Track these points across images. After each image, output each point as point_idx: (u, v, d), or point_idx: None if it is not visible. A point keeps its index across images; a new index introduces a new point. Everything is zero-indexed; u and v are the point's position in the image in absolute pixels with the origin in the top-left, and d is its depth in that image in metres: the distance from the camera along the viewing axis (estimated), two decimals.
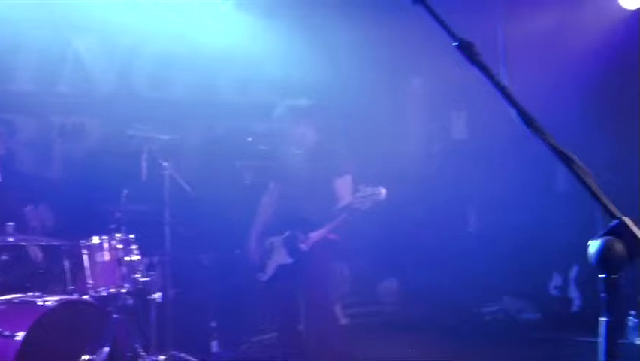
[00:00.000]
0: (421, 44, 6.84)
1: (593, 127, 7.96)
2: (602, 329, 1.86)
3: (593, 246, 1.82)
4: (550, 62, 7.84)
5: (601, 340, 1.87)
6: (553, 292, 8.61)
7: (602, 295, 1.86)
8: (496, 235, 8.21)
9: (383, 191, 5.73)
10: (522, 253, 8.23)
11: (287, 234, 6.24)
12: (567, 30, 7.76)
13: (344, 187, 6.16)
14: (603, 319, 1.87)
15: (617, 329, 1.86)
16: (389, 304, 9.14)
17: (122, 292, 5.81)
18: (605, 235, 1.82)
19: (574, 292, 8.40)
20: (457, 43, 1.98)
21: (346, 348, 6.44)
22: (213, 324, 7.51)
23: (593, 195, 1.84)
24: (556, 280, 8.53)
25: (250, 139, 8.37)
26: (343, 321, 7.77)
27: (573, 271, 8.38)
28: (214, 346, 7.50)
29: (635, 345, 7.46)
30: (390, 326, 8.37)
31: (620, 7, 7.57)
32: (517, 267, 8.37)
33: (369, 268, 8.72)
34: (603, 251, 1.80)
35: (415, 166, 9.00)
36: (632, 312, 7.66)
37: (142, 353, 5.99)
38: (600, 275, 1.85)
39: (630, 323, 7.66)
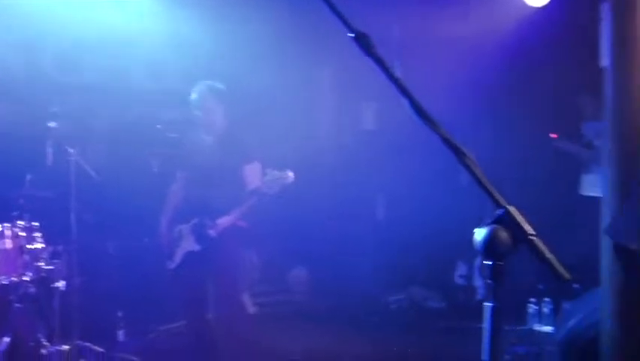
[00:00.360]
0: (333, 35, 6.89)
1: (494, 124, 8.18)
2: (486, 314, 1.93)
3: (479, 234, 1.90)
4: (451, 59, 8.00)
5: (485, 325, 1.94)
6: (459, 281, 8.81)
7: (488, 281, 1.93)
8: (404, 225, 8.36)
9: (291, 175, 5.80)
10: (428, 242, 8.39)
11: (195, 221, 6.22)
12: (471, 27, 7.92)
13: (253, 174, 6.18)
14: (488, 304, 1.94)
15: (501, 314, 1.93)
16: (298, 293, 9.20)
17: (24, 281, 5.70)
18: (491, 223, 1.89)
19: (478, 281, 8.62)
20: (352, 35, 2.02)
21: (254, 337, 6.47)
22: (120, 313, 7.44)
23: (481, 185, 1.91)
24: (461, 270, 8.74)
25: (159, 126, 8.30)
26: (252, 310, 7.77)
27: (478, 261, 8.59)
28: (120, 335, 7.43)
29: (535, 331, 7.72)
30: (299, 315, 8.43)
31: (525, 5, 7.78)
32: (424, 256, 8.54)
33: (279, 256, 8.76)
34: (489, 239, 1.88)
35: (324, 156, 9.08)
36: (532, 299, 7.92)
37: (45, 343, 5.89)
38: (486, 262, 1.92)
39: (530, 310, 7.91)
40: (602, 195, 6.02)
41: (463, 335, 7.72)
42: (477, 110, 8.35)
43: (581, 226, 7.69)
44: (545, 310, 7.83)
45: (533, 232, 1.86)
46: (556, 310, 7.75)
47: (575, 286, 7.66)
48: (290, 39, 8.23)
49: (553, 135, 8.17)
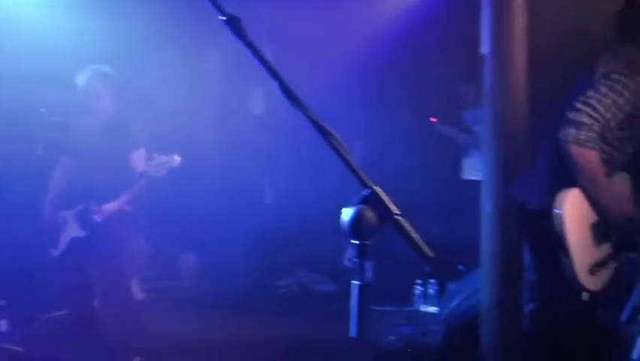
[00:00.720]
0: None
1: (378, 108, 8.30)
2: (354, 292, 1.98)
3: (346, 214, 1.94)
4: (333, 43, 8.06)
5: (353, 302, 1.99)
6: (347, 263, 8.92)
7: (355, 260, 1.98)
8: (292, 208, 8.40)
9: (177, 158, 5.79)
10: (316, 226, 8.45)
11: (80, 207, 6.11)
12: (354, 11, 7.99)
13: (139, 160, 6.11)
14: (356, 282, 1.99)
15: (366, 291, 1.99)
16: (188, 278, 9.15)
17: None
18: (358, 203, 1.94)
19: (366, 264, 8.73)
20: (224, 18, 2.03)
21: (142, 324, 6.40)
22: (2, 302, 7.25)
23: (348, 166, 1.96)
24: (349, 252, 8.84)
25: (43, 110, 8.08)
26: (140, 296, 7.70)
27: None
28: (3, 325, 7.23)
29: (421, 312, 7.94)
30: (188, 301, 8.38)
31: None
32: (312, 240, 8.61)
33: (168, 241, 8.68)
34: (355, 219, 1.92)
35: (212, 141, 9.04)
36: (419, 281, 8.13)
37: None
38: (353, 241, 1.97)
39: (416, 292, 8.12)
40: (482, 179, 6.25)
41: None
42: (359, 94, 8.45)
43: (464, 209, 7.93)
44: (431, 291, 8.06)
45: (399, 212, 1.92)
46: (441, 291, 7.98)
47: (460, 267, 7.90)
48: (178, 22, 8.14)
49: (433, 119, 8.36)
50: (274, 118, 9.29)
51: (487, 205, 5.73)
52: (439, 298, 7.77)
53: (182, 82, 8.51)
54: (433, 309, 7.82)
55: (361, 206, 1.92)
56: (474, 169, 7.99)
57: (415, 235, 1.90)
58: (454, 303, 6.69)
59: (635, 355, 6.67)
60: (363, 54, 8.14)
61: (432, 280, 8.09)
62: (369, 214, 1.91)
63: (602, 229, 4.09)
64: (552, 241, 4.02)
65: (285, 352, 6.81)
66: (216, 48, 9.37)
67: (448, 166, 8.48)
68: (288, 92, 1.97)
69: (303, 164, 8.34)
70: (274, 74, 1.98)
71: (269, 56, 1.99)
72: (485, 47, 5.85)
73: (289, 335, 7.28)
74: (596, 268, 4.07)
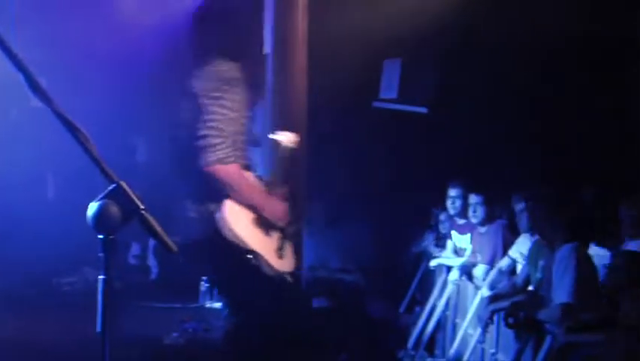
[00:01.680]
0: None
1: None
2: (99, 287, 1.99)
3: (91, 209, 1.94)
4: (104, 41, 7.87)
5: (98, 297, 1.99)
6: (132, 261, 8.81)
7: (100, 254, 1.98)
8: (75, 205, 8.14)
9: None
10: None
11: None
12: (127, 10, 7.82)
13: None
14: (101, 277, 1.99)
15: (111, 285, 1.99)
16: None
17: None
18: (103, 198, 1.95)
19: (152, 261, 8.69)
20: None
21: None
22: None
23: (94, 160, 1.96)
24: (134, 250, 8.75)
25: None
26: None
27: (151, 241, 8.65)
28: None
29: (206, 308, 7.96)
30: None
31: None
32: (96, 236, 8.39)
33: None
34: (99, 213, 1.93)
35: None
36: (204, 277, 8.14)
37: None
38: (99, 236, 1.97)
39: (202, 288, 8.14)
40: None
41: (138, 313, 7.74)
42: (139, 92, 8.31)
43: None
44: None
45: (144, 207, 1.95)
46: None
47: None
48: None
49: None
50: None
51: None
52: None
53: None
54: (218, 305, 7.86)
55: (106, 200, 1.93)
56: (256, 165, 8.10)
57: (159, 229, 1.93)
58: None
59: (410, 344, 7.08)
60: (141, 52, 7.99)
61: None
62: (114, 209, 1.92)
63: (263, 221, 4.30)
64: (231, 253, 4.16)
65: (65, 349, 6.62)
66: None
67: None
68: (33, 85, 1.94)
69: (85, 159, 8.10)
70: (19, 66, 1.94)
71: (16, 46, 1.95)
72: (267, 47, 5.99)
73: (71, 332, 7.07)
74: (280, 252, 4.30)
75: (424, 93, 7.45)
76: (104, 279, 1.96)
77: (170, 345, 6.73)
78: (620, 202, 5.86)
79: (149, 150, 8.78)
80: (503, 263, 6.21)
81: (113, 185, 1.94)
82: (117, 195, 1.93)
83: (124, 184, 1.94)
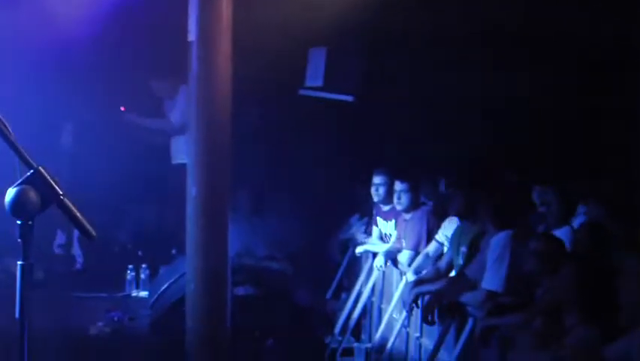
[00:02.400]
0: None
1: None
2: (17, 272, 1.97)
3: (9, 194, 1.92)
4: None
5: (17, 282, 1.98)
6: (57, 250, 8.66)
7: (19, 240, 1.97)
8: None
9: None
10: None
11: None
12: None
13: None
14: (19, 263, 1.98)
15: (30, 270, 1.98)
16: None
17: None
18: (21, 183, 1.93)
19: (77, 251, 8.55)
20: None
21: None
22: None
23: (12, 146, 1.94)
24: (60, 239, 8.60)
25: None
26: None
27: (76, 231, 8.52)
28: None
29: (132, 297, 7.89)
30: None
31: None
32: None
33: None
34: (17, 199, 1.91)
35: None
36: (130, 266, 8.07)
37: None
38: (17, 221, 1.96)
39: (128, 277, 8.06)
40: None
41: (62, 303, 7.63)
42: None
43: (175, 194, 8.01)
44: (142, 276, 8.03)
45: (62, 192, 1.94)
46: (153, 275, 8.01)
47: (173, 251, 7.98)
48: None
49: (122, 108, 8.32)
50: None
51: (192, 189, 5.85)
52: (151, 282, 7.79)
53: None
54: (144, 294, 7.80)
55: (24, 186, 1.91)
56: (181, 153, 8.06)
57: (79, 214, 1.93)
58: (163, 287, 6.75)
59: (337, 329, 7.16)
60: (61, 46, 7.80)
61: (144, 265, 8.07)
62: (32, 194, 1.91)
63: None
64: None
65: None
66: None
67: (159, 151, 8.41)
68: None
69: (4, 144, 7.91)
70: None
71: None
72: (192, 35, 5.95)
73: None
74: None
75: (350, 82, 7.50)
76: (22, 265, 1.95)
77: (95, 335, 6.67)
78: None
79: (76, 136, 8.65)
80: (430, 248, 6.31)
81: (31, 171, 1.93)
82: (35, 180, 1.92)
83: (42, 170, 1.93)
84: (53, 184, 1.93)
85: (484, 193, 5.40)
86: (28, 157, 1.93)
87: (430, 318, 5.37)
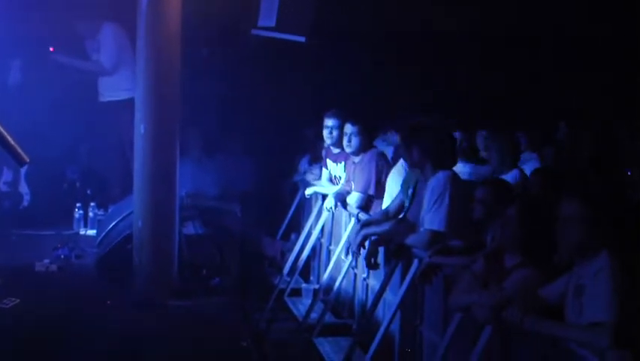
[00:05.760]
0: None
1: None
2: None
3: None
4: None
5: None
6: (4, 188, 8.54)
7: None
8: None
9: None
10: None
11: None
12: None
13: None
14: None
15: None
16: None
17: None
18: None
19: (24, 188, 8.45)
20: None
21: None
22: None
23: None
24: (6, 176, 8.48)
25: None
26: None
27: (23, 168, 8.40)
28: None
29: (80, 235, 7.86)
30: None
31: None
32: None
33: None
34: None
35: None
36: (78, 204, 8.03)
37: None
38: None
39: (76, 215, 8.02)
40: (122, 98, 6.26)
41: (10, 241, 7.57)
42: None
43: (110, 134, 7.96)
44: (91, 214, 8.00)
45: None
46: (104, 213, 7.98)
47: (118, 190, 7.95)
48: None
49: (51, 49, 8.15)
50: None
51: (140, 126, 5.79)
52: (99, 220, 7.75)
53: None
54: (92, 232, 7.77)
55: None
56: (111, 91, 7.96)
57: (11, 140, 1.90)
58: (111, 225, 6.72)
59: (285, 270, 7.20)
60: None
61: (92, 204, 8.03)
62: None
63: None
64: None
65: None
66: None
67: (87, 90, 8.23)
68: None
69: None
70: None
71: None
72: None
73: None
74: None
75: (303, 22, 7.42)
76: None
77: (42, 272, 6.64)
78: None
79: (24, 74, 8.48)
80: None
81: None
82: None
83: None
84: None
85: (421, 137, 5.36)
86: None
87: (372, 261, 5.41)
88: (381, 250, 5.45)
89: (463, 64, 8.67)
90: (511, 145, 6.82)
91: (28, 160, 1.79)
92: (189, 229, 7.13)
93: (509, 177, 6.24)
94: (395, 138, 7.06)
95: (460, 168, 6.14)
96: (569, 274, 3.43)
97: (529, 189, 5.74)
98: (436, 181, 5.01)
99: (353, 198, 6.56)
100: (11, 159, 7.83)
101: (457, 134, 6.71)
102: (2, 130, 1.85)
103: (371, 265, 5.47)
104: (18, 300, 5.71)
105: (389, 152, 6.97)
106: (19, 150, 1.86)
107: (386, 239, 5.35)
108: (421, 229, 5.02)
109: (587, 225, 3.34)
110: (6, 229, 7.77)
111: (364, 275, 6.05)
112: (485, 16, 8.58)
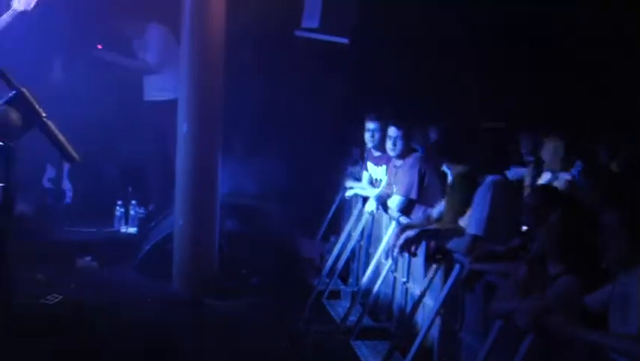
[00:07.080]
0: None
1: None
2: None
3: None
4: None
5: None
6: (47, 184, 8.64)
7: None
8: None
9: None
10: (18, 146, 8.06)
11: None
12: None
13: None
14: (1, 184, 1.96)
15: (14, 194, 1.97)
16: None
17: None
18: (3, 104, 1.91)
19: (66, 185, 8.53)
20: None
21: None
22: None
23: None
24: (49, 173, 8.57)
25: None
26: None
27: (66, 165, 8.47)
28: None
29: (121, 233, 7.91)
30: None
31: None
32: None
33: None
34: None
35: None
36: (119, 202, 8.08)
37: None
38: None
39: (117, 213, 8.07)
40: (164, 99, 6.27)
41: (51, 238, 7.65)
42: None
43: (152, 133, 7.99)
44: (132, 212, 8.05)
45: (45, 114, 1.92)
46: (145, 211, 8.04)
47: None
48: None
49: (99, 46, 8.21)
50: None
51: (182, 125, 5.83)
52: (140, 219, 7.82)
53: None
54: (132, 230, 7.83)
55: (5, 107, 1.89)
56: (154, 91, 7.99)
57: (62, 137, 1.91)
58: (153, 223, 6.77)
59: (324, 272, 7.18)
60: None
61: (133, 202, 8.08)
62: (14, 115, 1.89)
63: None
64: None
65: None
66: None
67: (130, 89, 8.28)
68: None
69: None
70: None
71: None
72: None
73: None
74: None
75: (346, 23, 7.41)
76: (2, 186, 1.93)
77: (83, 268, 6.73)
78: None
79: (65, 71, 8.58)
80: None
81: (14, 91, 1.90)
82: (18, 101, 1.89)
83: (25, 91, 1.90)
84: (36, 106, 1.90)
85: (471, 141, 5.35)
86: (10, 78, 1.90)
87: (413, 249, 5.35)
88: (422, 248, 5.42)
89: (511, 67, 8.55)
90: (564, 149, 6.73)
91: (78, 158, 1.80)
92: (229, 224, 7.14)
93: (559, 181, 6.18)
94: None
95: None
96: (614, 283, 3.38)
97: (576, 193, 5.65)
98: (482, 186, 4.99)
99: (394, 202, 6.52)
100: (55, 156, 7.97)
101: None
102: (54, 128, 1.86)
103: (410, 252, 5.40)
104: (61, 296, 5.77)
105: None
106: (70, 148, 1.87)
107: (430, 235, 5.32)
108: (465, 234, 4.99)
109: (629, 233, 3.29)
110: (49, 225, 7.85)
111: (404, 279, 6.00)
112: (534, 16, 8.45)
